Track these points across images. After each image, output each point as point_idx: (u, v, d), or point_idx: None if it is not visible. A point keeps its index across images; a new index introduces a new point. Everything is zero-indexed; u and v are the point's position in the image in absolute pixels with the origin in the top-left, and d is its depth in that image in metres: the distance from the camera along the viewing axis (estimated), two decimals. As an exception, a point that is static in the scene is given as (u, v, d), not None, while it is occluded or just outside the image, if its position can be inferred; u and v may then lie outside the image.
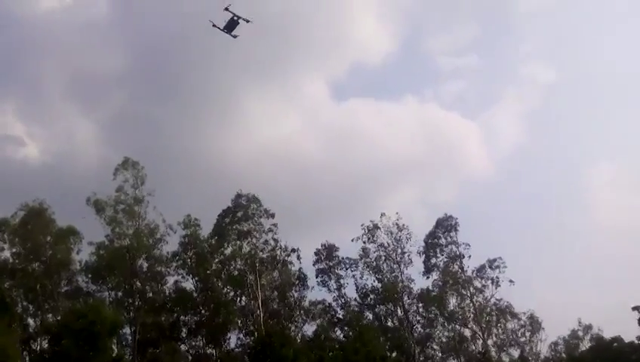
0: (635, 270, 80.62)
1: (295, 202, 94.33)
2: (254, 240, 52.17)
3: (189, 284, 53.39)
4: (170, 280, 53.61)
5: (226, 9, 29.02)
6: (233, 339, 54.34)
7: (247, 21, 29.21)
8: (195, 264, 52.38)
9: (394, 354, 55.34)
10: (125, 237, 49.18)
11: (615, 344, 53.75)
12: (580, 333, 61.95)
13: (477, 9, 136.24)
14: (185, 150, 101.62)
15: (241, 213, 52.34)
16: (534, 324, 61.71)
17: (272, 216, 53.49)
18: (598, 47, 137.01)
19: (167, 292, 53.42)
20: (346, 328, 54.89)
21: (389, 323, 57.59)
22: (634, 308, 50.60)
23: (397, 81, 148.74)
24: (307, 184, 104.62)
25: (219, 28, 29.71)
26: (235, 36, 30.25)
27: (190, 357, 56.19)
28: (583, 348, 60.76)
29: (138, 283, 50.33)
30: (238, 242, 51.68)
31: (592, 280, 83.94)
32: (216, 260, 53.38)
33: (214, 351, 54.34)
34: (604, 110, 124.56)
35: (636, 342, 51.43)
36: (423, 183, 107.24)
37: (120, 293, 50.54)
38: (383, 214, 59.19)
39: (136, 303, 50.04)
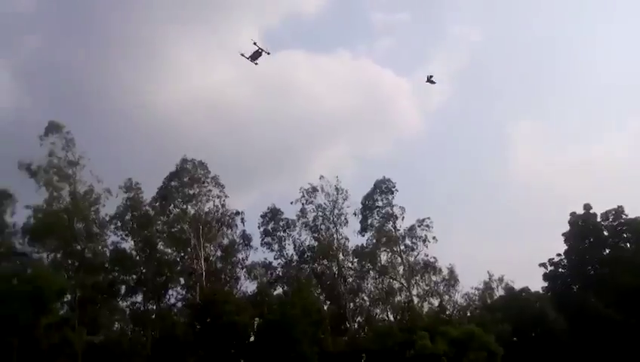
0: (544, 224, 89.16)
1: (227, 154, 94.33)
2: (200, 205, 53.16)
3: (129, 246, 53.84)
4: (110, 241, 53.82)
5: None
6: (175, 296, 56.14)
7: (268, 53, 35.42)
8: (136, 225, 52.66)
9: (328, 304, 59.46)
10: (62, 200, 48.51)
11: (523, 293, 60.46)
12: (494, 284, 68.75)
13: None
14: (109, 98, 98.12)
15: (187, 178, 52.90)
16: (453, 277, 67.90)
17: (223, 186, 54.53)
18: (521, 11, 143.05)
19: (106, 253, 53.41)
20: (285, 286, 57.93)
21: (325, 279, 61.30)
22: (540, 265, 56.89)
23: (331, 34, 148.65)
24: (240, 136, 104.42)
25: (246, 57, 35.29)
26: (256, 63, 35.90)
27: (128, 312, 57.35)
28: (496, 297, 67.68)
29: (77, 246, 50.10)
30: (183, 206, 52.41)
31: (508, 234, 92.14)
32: (160, 222, 54.01)
33: (155, 307, 55.85)
34: (524, 71, 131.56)
35: (541, 292, 58.21)
36: (357, 138, 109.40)
37: (59, 255, 50.07)
38: (322, 177, 61.73)
39: (76, 264, 49.95)
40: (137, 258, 53.90)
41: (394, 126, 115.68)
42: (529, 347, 47.92)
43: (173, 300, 56.08)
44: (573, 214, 54.59)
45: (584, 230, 53.38)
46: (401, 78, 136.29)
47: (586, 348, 44.80)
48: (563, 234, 54.51)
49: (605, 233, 53.44)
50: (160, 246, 54.64)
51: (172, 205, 54.17)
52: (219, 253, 57.27)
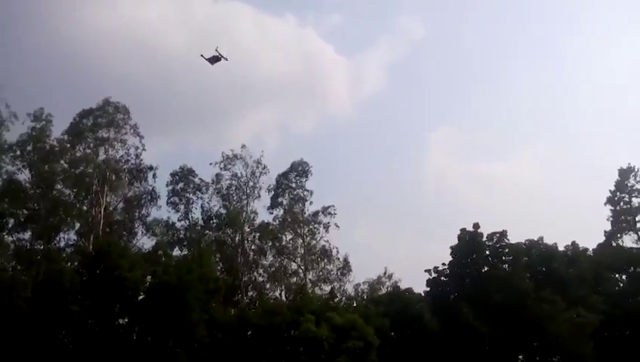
0: (441, 232, 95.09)
1: (150, 95, 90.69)
2: (112, 151, 51.01)
3: (25, 179, 50.62)
4: (4, 169, 50.26)
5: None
6: (67, 240, 53.81)
7: (227, 59, 35.57)
8: (37, 158, 49.48)
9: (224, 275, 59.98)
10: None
11: (407, 293, 64.80)
12: (384, 280, 73.02)
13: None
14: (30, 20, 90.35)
15: (105, 120, 50.35)
16: (347, 266, 71.18)
17: (142, 137, 52.57)
18: (466, 15, 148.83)
19: (-2, 182, 49.96)
20: (185, 248, 57.59)
21: (225, 249, 61.78)
22: (426, 270, 61.03)
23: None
24: (167, 79, 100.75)
25: (205, 58, 35.62)
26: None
27: (12, 247, 54.14)
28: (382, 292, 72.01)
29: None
30: (93, 148, 49.95)
31: (407, 234, 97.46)
32: (64, 160, 51.12)
33: (42, 247, 53.20)
34: (454, 76, 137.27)
35: (422, 295, 62.68)
36: (285, 107, 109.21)
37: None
38: (244, 146, 61.94)
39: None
40: (32, 193, 50.88)
41: (323, 104, 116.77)
42: (404, 342, 51.81)
43: (63, 244, 53.95)
44: (463, 230, 59.12)
45: (469, 246, 58.10)
46: (341, 57, 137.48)
47: (453, 351, 49.38)
48: (451, 247, 58.95)
49: (487, 252, 58.57)
50: (59, 185, 51.92)
51: (81, 144, 51.42)
52: (121, 205, 55.54)
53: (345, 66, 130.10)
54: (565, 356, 50.15)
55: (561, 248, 61.63)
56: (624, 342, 51.89)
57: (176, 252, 57.63)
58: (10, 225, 51.54)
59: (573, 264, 59.53)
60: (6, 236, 52.10)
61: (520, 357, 54.00)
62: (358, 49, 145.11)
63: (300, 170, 64.31)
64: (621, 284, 61.55)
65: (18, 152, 50.24)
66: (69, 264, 49.33)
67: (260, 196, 62.17)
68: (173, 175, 59.59)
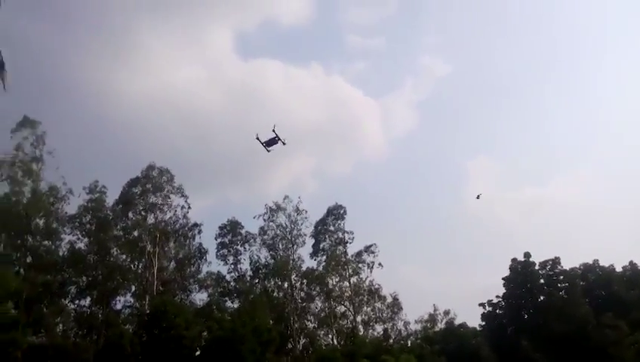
0: (489, 262, 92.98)
1: (189, 156, 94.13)
2: (161, 214, 53.44)
3: (84, 247, 53.33)
4: (66, 240, 53.28)
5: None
6: (123, 302, 55.80)
7: (284, 143, 32.98)
8: (94, 228, 52.39)
9: (273, 323, 60.46)
10: (23, 195, 47.84)
11: (461, 328, 63.56)
12: (439, 316, 71.54)
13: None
14: (77, 89, 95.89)
15: (151, 185, 53.05)
16: (397, 304, 70.41)
17: (187, 197, 54.94)
18: (491, 47, 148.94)
19: (60, 253, 52.81)
20: (236, 300, 58.69)
21: (274, 298, 62.48)
22: (480, 304, 60.03)
23: (307, 47, 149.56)
24: (205, 139, 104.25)
25: (260, 142, 33.08)
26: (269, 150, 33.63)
27: (73, 314, 56.45)
28: (437, 329, 70.67)
29: (31, 240, 49.41)
30: (143, 213, 52.53)
31: (454, 268, 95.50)
32: (118, 227, 53.85)
33: (101, 312, 55.29)
34: (486, 106, 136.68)
35: (478, 329, 61.38)
36: (319, 154, 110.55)
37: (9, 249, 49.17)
38: (286, 197, 63.40)
39: (27, 260, 49.31)
40: (91, 261, 53.54)
41: (357, 147, 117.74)
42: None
43: (120, 306, 55.95)
44: (514, 260, 58.15)
45: (522, 276, 56.93)
46: (370, 100, 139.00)
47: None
48: (503, 278, 57.91)
49: (541, 281, 57.17)
50: (114, 251, 54.49)
51: (132, 211, 54.19)
52: (173, 264, 57.47)
53: (374, 109, 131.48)
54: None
55: (618, 269, 59.60)
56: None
57: (227, 303, 58.67)
58: (72, 293, 54.06)
59: (633, 285, 57.26)
60: (68, 303, 54.57)
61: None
62: (386, 90, 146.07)
63: (336, 213, 65.08)
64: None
65: (77, 223, 53.25)
66: (127, 326, 51.10)
67: (304, 243, 63.12)
68: (221, 228, 61.56)
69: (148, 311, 48.98)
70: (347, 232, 64.96)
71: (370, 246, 65.47)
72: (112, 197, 53.83)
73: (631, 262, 60.59)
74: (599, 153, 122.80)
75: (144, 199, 53.21)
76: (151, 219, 53.55)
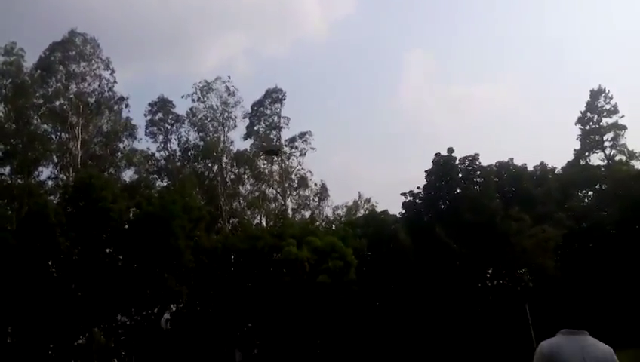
0: (416, 156, 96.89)
1: (113, 23, 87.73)
2: (84, 84, 50.23)
3: (1, 113, 49.86)
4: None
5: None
6: (46, 173, 54.09)
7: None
8: (11, 94, 48.73)
9: (204, 203, 61.30)
10: None
11: (382, 215, 67.43)
12: (360, 204, 75.48)
13: None
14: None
15: (75, 52, 49.19)
16: (324, 192, 73.18)
17: (113, 71, 51.62)
18: None
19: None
20: (166, 179, 58.37)
21: (204, 179, 62.74)
22: (402, 194, 63.26)
23: None
24: (130, 6, 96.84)
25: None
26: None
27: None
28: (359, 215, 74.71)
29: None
30: (65, 82, 49.12)
31: (383, 158, 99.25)
32: (38, 94, 50.37)
33: (22, 181, 53.38)
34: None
35: (398, 216, 65.34)
36: (255, 31, 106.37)
37: None
38: (218, 78, 61.27)
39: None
40: (8, 128, 50.49)
41: (295, 27, 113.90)
42: (380, 261, 54.82)
43: (43, 177, 54.28)
44: (437, 155, 60.71)
45: (443, 170, 60.07)
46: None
47: (426, 267, 52.53)
48: (425, 171, 60.91)
49: (460, 175, 60.69)
50: (35, 120, 51.53)
51: (53, 78, 50.61)
52: (98, 138, 55.47)
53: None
54: (530, 268, 53.70)
55: (530, 168, 64.21)
56: (586, 254, 55.52)
57: (157, 183, 58.42)
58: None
59: (541, 183, 62.18)
60: (-16, 173, 52.16)
61: (489, 271, 57.59)
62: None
63: (274, 96, 64.26)
64: (586, 201, 64.58)
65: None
66: (52, 197, 50.04)
67: (236, 126, 62.50)
68: (152, 105, 59.37)
69: (72, 184, 47.99)
70: (283, 117, 64.91)
71: (305, 133, 66.13)
72: (30, 63, 49.85)
73: (542, 163, 65.49)
74: (540, 56, 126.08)
75: (66, 67, 49.61)
76: (73, 89, 50.38)
